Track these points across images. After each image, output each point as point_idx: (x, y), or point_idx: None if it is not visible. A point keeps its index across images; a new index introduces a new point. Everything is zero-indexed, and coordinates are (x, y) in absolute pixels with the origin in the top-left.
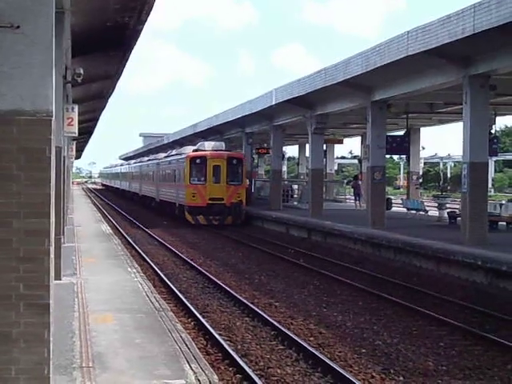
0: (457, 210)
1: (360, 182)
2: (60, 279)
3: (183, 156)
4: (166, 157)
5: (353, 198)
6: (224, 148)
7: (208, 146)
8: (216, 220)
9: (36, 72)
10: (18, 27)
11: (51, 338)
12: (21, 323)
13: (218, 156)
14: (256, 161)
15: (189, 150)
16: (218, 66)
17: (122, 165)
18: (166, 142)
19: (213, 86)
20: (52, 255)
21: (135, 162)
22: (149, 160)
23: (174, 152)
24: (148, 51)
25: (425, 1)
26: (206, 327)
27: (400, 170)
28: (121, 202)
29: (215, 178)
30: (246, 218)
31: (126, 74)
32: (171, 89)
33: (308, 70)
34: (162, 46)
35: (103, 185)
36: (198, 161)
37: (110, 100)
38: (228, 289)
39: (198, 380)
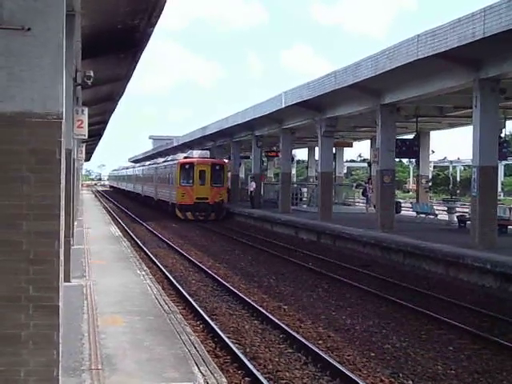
0: (466, 214)
1: (368, 186)
2: (69, 281)
3: (175, 162)
4: (163, 162)
5: (362, 201)
6: (209, 156)
7: (196, 154)
8: (202, 216)
9: (46, 74)
10: (29, 29)
11: (60, 340)
12: (30, 325)
13: (203, 162)
14: (265, 164)
15: (181, 157)
16: (226, 66)
17: (127, 168)
18: (175, 144)
19: (222, 87)
20: (61, 257)
21: (139, 166)
22: (150, 164)
23: (169, 158)
24: (156, 52)
25: (436, 1)
26: (214, 330)
27: (409, 173)
28: (128, 204)
29: (201, 181)
30: (227, 213)
31: (135, 75)
32: (180, 90)
33: (317, 71)
34: (170, 46)
35: (111, 187)
36: (187, 166)
37: (119, 102)
38: (237, 292)
39: (207, 383)
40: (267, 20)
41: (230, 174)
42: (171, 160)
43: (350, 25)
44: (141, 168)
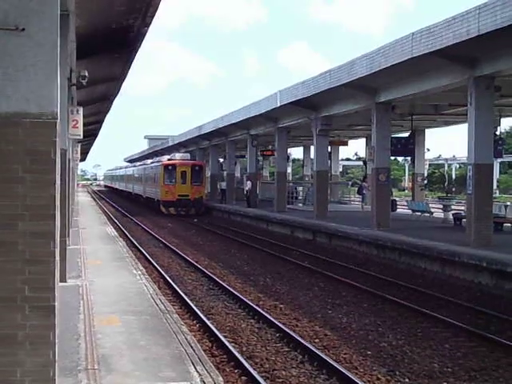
0: (462, 212)
1: (363, 184)
2: (65, 281)
3: (160, 163)
4: (150, 163)
5: (357, 199)
6: (189, 158)
7: (178, 156)
8: (183, 211)
9: (41, 74)
10: (23, 29)
11: (57, 340)
12: (26, 325)
13: (184, 164)
14: (261, 163)
15: (165, 159)
16: (223, 65)
17: (120, 168)
18: (170, 144)
19: (218, 85)
20: (57, 257)
21: (131, 167)
22: (139, 165)
23: (156, 159)
24: (152, 51)
25: (434, 0)
26: (211, 329)
27: (405, 171)
28: (121, 202)
29: (182, 180)
30: (206, 209)
31: (130, 74)
32: (175, 89)
33: (314, 69)
34: (165, 45)
35: (106, 186)
36: (170, 167)
37: (114, 102)
38: (233, 291)
39: (204, 382)
40: (266, 17)
41: (209, 173)
42: (157, 162)
43: (347, 23)
44: (131, 169)
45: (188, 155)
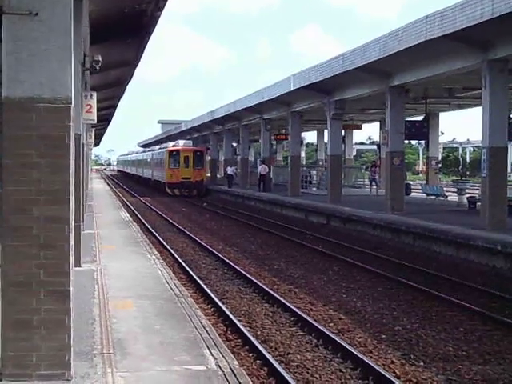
0: (476, 195)
1: (374, 168)
2: (80, 266)
3: (165, 149)
4: (158, 149)
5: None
6: (192, 145)
7: (181, 143)
8: (186, 192)
9: (54, 59)
10: (37, 14)
11: (72, 325)
12: (41, 310)
13: (187, 150)
14: (274, 147)
15: (170, 145)
16: (235, 50)
17: (131, 153)
18: (183, 128)
19: (231, 70)
20: (72, 242)
21: (141, 152)
22: (149, 151)
23: (163, 145)
24: (164, 35)
25: None
26: (225, 313)
27: (419, 155)
28: (133, 185)
29: (185, 164)
30: (206, 190)
31: (144, 60)
32: (189, 74)
33: (327, 54)
34: (179, 30)
35: (119, 171)
36: (174, 153)
37: (128, 87)
38: (247, 275)
39: (219, 366)
40: (278, 2)
41: (209, 157)
42: (163, 148)
43: (361, 8)
44: (141, 154)
45: (191, 142)
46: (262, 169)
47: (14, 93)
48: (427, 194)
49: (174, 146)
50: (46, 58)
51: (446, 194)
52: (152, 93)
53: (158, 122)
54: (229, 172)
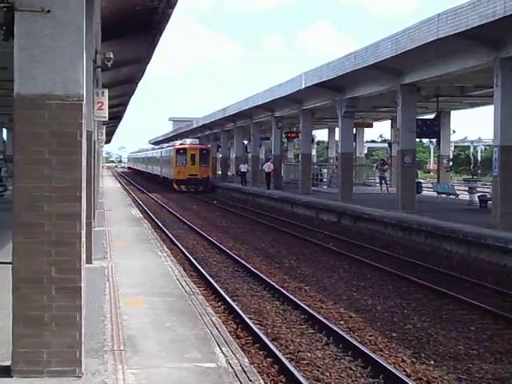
0: (487, 194)
1: (383, 167)
2: (91, 263)
3: (173, 147)
4: (166, 147)
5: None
6: (198, 143)
7: (188, 141)
8: (193, 188)
9: (67, 56)
10: (49, 11)
11: (83, 322)
12: (53, 307)
13: (194, 148)
14: (285, 145)
15: (178, 143)
16: (247, 46)
17: (141, 151)
18: (195, 126)
19: (242, 66)
20: (83, 239)
21: (151, 150)
22: (158, 149)
23: (171, 144)
24: (176, 32)
25: None
26: (236, 311)
27: (430, 153)
28: (143, 182)
29: (192, 162)
30: (212, 187)
31: (155, 56)
32: (199, 70)
33: (339, 51)
34: (190, 26)
35: (129, 168)
36: (181, 151)
37: (139, 84)
38: (258, 273)
39: (229, 363)
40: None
41: (220, 155)
42: (171, 146)
43: (373, 5)
44: (150, 152)
45: (197, 140)
46: (266, 167)
47: (26, 90)
48: (438, 193)
49: (181, 144)
50: (59, 54)
51: (457, 192)
52: (163, 89)
53: (170, 120)
54: (242, 169)
